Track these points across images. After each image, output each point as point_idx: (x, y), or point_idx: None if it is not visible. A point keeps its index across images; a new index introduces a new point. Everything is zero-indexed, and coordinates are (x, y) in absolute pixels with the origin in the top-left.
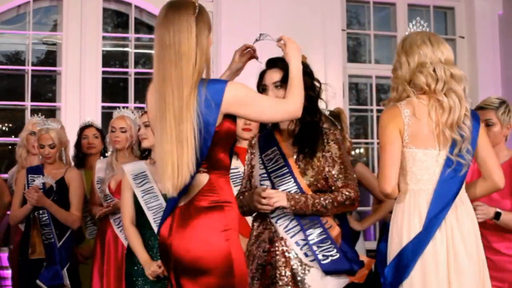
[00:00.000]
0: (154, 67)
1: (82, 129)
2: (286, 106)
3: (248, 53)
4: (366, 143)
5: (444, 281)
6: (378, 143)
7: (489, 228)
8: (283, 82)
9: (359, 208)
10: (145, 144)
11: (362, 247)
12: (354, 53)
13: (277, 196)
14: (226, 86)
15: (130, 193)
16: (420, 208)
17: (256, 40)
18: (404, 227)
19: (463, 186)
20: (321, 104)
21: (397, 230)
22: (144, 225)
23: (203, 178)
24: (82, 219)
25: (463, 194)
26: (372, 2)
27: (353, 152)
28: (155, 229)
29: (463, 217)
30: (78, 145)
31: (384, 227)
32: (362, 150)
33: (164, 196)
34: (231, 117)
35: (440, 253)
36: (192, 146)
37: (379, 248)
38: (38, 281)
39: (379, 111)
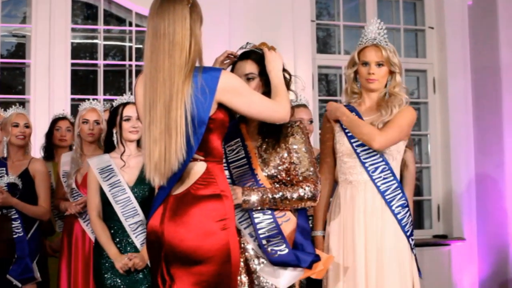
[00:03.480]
0: (146, 57)
1: (56, 120)
2: (276, 107)
3: (231, 60)
4: None
5: None
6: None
7: None
8: (261, 75)
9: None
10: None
11: None
12: (324, 44)
13: (232, 193)
14: (221, 73)
15: (96, 187)
16: None
17: (241, 48)
18: None
19: None
20: (291, 96)
21: None
22: (112, 218)
23: (201, 166)
24: (51, 211)
25: None
26: None
27: None
28: (124, 222)
29: None
30: (49, 135)
31: None
32: None
33: (131, 188)
34: (224, 108)
35: None
36: (182, 133)
37: None
38: (8, 276)
39: None
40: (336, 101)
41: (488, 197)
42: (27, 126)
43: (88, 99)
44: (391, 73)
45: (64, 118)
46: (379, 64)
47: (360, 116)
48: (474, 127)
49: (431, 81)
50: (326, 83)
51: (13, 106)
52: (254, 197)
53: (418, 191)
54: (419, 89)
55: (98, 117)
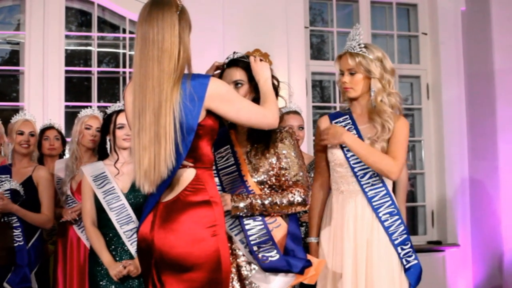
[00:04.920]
0: (135, 64)
1: (43, 130)
2: (265, 112)
3: (217, 74)
4: None
5: None
6: None
7: None
8: (250, 82)
9: None
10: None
11: None
12: (318, 51)
13: (222, 201)
14: (210, 81)
15: (90, 194)
16: None
17: (228, 58)
18: None
19: None
20: (281, 102)
21: None
22: (107, 225)
23: (190, 173)
24: (53, 219)
25: None
26: None
27: None
28: (118, 229)
29: None
30: (37, 145)
31: None
32: None
33: (126, 195)
34: (213, 114)
35: None
36: (171, 140)
37: None
38: (5, 284)
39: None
40: (329, 107)
41: (482, 203)
42: (32, 134)
43: (90, 107)
44: (371, 79)
45: (51, 127)
46: (352, 72)
47: (354, 122)
48: (468, 133)
49: (424, 87)
50: (320, 90)
51: (20, 111)
52: (243, 204)
53: (412, 197)
54: (413, 95)
55: (99, 124)
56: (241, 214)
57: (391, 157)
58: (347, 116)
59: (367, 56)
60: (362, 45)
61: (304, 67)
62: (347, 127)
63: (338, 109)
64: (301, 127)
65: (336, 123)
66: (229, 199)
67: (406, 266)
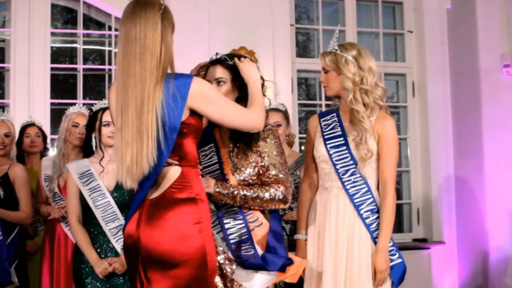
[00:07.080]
0: (118, 61)
1: (24, 128)
2: (250, 115)
3: (201, 75)
4: None
5: None
6: None
7: None
8: (234, 81)
9: None
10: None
11: None
12: (304, 48)
13: (205, 182)
14: (193, 80)
15: (75, 191)
16: None
17: (211, 59)
18: None
19: None
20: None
21: None
22: (92, 223)
23: (175, 170)
24: (32, 215)
25: None
26: None
27: (302, 147)
28: (104, 227)
29: None
30: (19, 143)
31: None
32: None
33: (111, 193)
34: (197, 114)
35: None
36: (153, 138)
37: None
38: None
39: (327, 106)
40: (315, 105)
41: (467, 200)
42: (8, 135)
43: (72, 104)
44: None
45: (32, 124)
46: (326, 71)
47: (340, 120)
48: (454, 131)
49: (410, 85)
50: (306, 87)
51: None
52: (226, 191)
53: (397, 194)
54: (398, 93)
55: (86, 122)
56: (222, 201)
57: (383, 181)
58: (334, 114)
59: (339, 54)
60: (336, 44)
61: (290, 65)
62: (333, 125)
63: (323, 107)
64: (279, 125)
65: (324, 121)
66: (212, 183)
67: (389, 265)
